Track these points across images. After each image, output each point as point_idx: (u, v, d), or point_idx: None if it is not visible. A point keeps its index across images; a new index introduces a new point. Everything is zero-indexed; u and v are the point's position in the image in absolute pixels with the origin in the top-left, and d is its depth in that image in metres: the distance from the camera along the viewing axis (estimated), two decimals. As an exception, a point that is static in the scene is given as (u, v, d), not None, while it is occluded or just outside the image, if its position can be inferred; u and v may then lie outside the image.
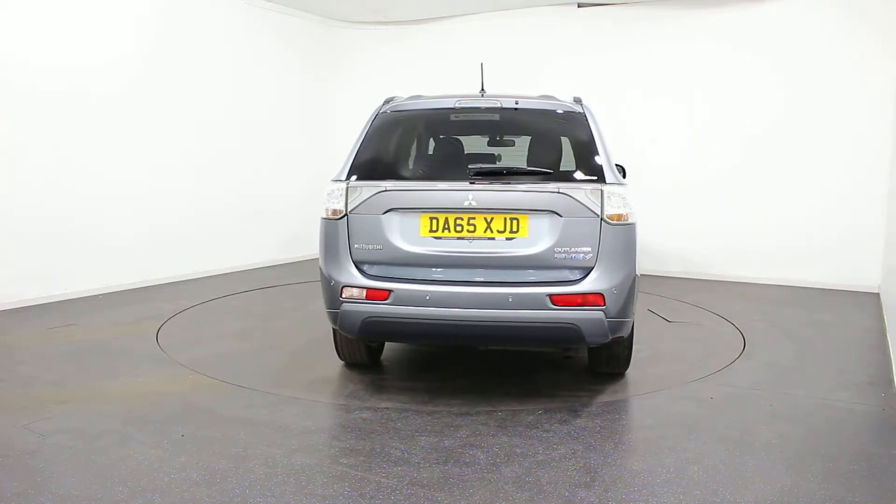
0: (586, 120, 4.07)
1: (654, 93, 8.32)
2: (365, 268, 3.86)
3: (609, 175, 3.84)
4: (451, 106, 4.20)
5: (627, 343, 4.18)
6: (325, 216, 3.97)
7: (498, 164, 4.15)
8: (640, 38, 8.35)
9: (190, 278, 7.68)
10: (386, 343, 4.78)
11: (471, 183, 3.80)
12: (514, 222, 3.75)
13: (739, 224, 8.00)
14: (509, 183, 3.82)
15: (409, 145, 4.31)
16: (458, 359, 4.79)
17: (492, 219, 3.75)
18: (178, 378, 4.34)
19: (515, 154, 4.62)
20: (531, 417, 3.71)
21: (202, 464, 3.08)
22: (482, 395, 4.03)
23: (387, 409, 3.81)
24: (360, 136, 4.16)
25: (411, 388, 4.21)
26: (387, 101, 4.38)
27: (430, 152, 4.33)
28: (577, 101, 4.24)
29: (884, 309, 6.38)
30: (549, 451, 3.25)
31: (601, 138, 4.03)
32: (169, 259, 7.52)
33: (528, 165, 4.04)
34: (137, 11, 7.13)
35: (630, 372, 4.52)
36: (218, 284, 7.43)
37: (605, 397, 4.04)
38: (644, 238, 8.44)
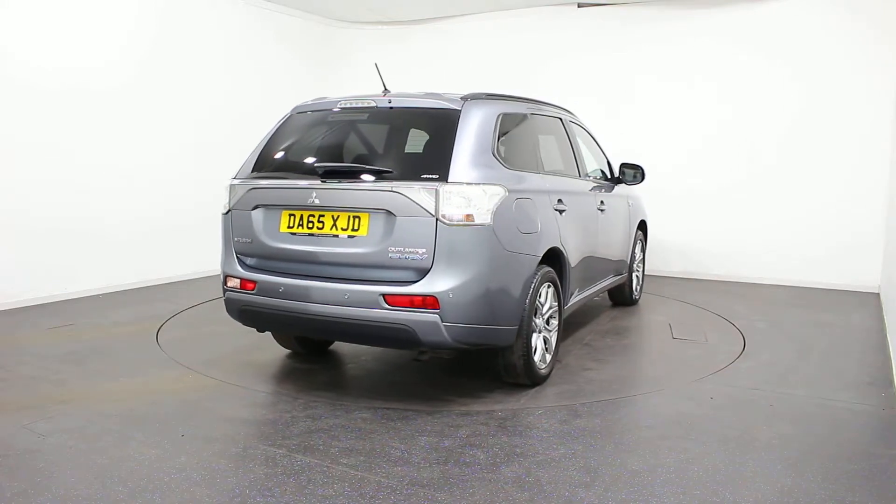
0: (456, 119, 3.87)
1: (655, 93, 8.33)
2: (242, 258, 4.17)
3: (457, 174, 3.65)
4: (332, 108, 4.28)
5: (521, 353, 3.98)
6: (221, 211, 4.31)
7: (341, 163, 4.06)
8: (640, 38, 8.35)
9: (190, 278, 7.68)
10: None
11: (322, 181, 3.86)
12: (357, 220, 3.77)
13: (740, 225, 8.01)
14: (351, 181, 3.81)
15: (292, 146, 4.32)
16: (458, 357, 4.79)
17: (338, 216, 3.82)
18: (178, 378, 4.34)
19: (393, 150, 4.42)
20: (531, 417, 3.71)
21: (202, 464, 3.08)
22: (482, 395, 4.04)
23: (387, 409, 3.81)
24: (263, 137, 4.44)
25: (413, 387, 4.22)
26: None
27: (304, 152, 4.31)
28: (464, 98, 4.06)
29: (884, 309, 6.38)
30: (549, 451, 3.25)
31: (474, 137, 3.84)
32: (169, 259, 7.52)
33: (382, 164, 3.91)
34: (137, 12, 7.13)
35: (630, 373, 4.52)
36: (218, 284, 7.41)
37: (605, 397, 4.04)
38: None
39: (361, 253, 3.73)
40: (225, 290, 4.23)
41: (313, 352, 4.89)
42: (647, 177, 6.06)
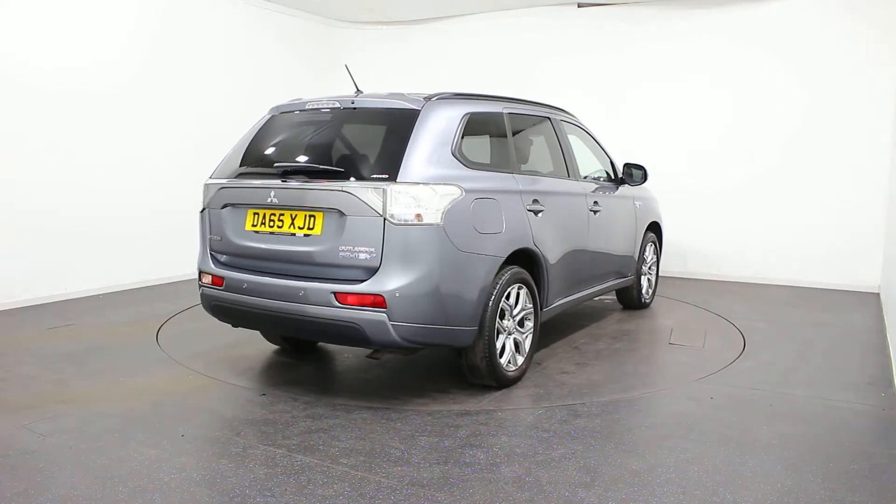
0: (414, 119, 3.86)
1: (655, 93, 8.33)
2: (215, 255, 4.29)
3: (407, 174, 3.64)
4: (301, 109, 4.32)
5: (484, 354, 3.95)
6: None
7: (297, 163, 4.07)
8: (640, 38, 8.35)
9: (190, 278, 7.68)
10: None
11: (281, 181, 3.92)
12: (312, 219, 3.82)
13: (741, 225, 8.00)
14: (307, 181, 3.85)
15: (260, 146, 4.36)
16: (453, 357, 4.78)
17: (296, 215, 3.88)
18: (178, 378, 4.35)
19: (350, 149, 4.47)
20: (531, 417, 3.71)
21: (202, 464, 3.08)
22: (483, 395, 4.04)
23: (387, 409, 3.81)
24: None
25: (414, 387, 4.22)
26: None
27: (269, 152, 4.34)
28: (427, 98, 4.03)
29: (884, 309, 6.38)
30: (549, 451, 3.25)
31: (431, 137, 3.83)
32: (169, 259, 7.52)
33: (338, 163, 3.94)
34: (137, 12, 7.14)
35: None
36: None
37: (605, 397, 4.04)
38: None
39: (316, 251, 3.77)
40: (200, 286, 4.34)
41: (301, 349, 4.95)
42: (647, 177, 6.03)
